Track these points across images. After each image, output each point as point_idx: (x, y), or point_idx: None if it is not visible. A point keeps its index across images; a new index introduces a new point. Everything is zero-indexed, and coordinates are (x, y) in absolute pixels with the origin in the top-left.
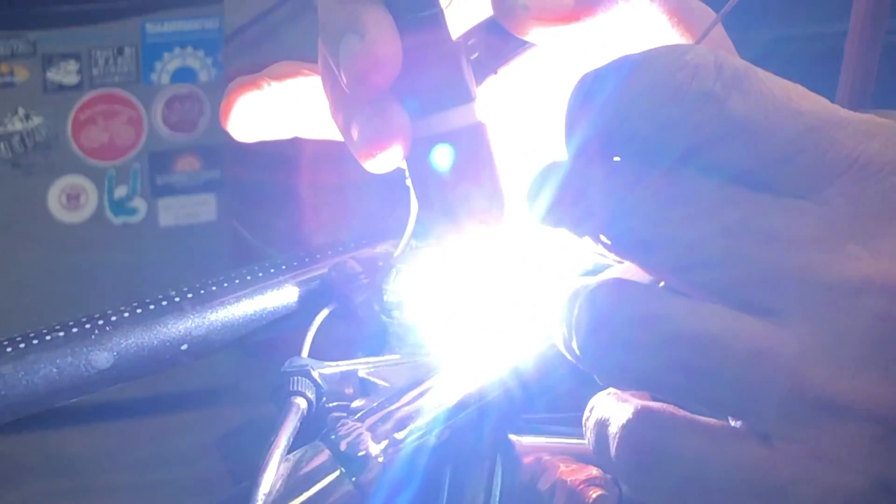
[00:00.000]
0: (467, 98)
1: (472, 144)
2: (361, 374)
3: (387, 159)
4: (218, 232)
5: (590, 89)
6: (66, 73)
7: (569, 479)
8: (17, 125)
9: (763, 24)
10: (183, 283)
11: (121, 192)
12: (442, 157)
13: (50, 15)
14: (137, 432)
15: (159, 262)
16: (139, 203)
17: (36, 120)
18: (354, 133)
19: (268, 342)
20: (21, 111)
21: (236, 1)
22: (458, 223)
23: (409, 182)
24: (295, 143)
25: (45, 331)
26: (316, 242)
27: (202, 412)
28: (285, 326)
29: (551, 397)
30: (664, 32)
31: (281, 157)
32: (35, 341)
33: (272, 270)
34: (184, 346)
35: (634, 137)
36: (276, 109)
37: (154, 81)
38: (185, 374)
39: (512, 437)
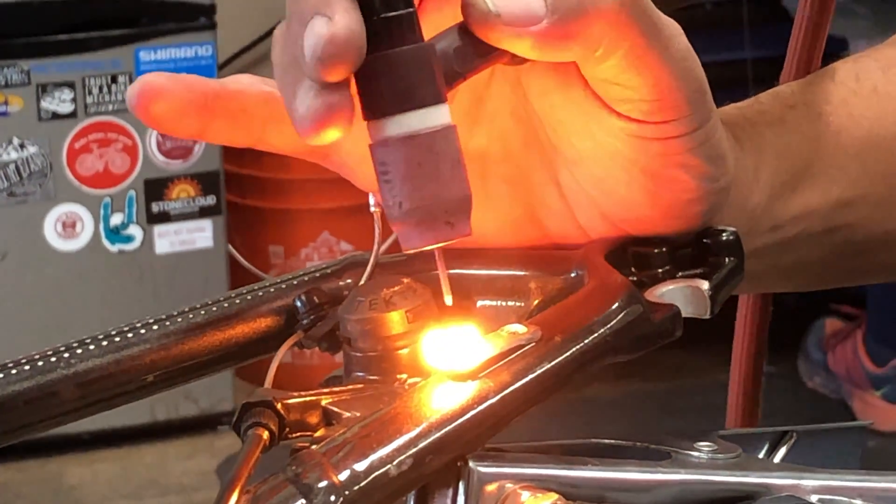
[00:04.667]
0: (440, 99)
1: (444, 145)
2: (325, 403)
3: (329, 135)
4: (214, 258)
5: None
6: (60, 102)
7: None
8: (12, 154)
9: None
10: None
11: (116, 219)
12: (413, 156)
13: (44, 44)
14: (136, 459)
15: (156, 289)
16: (135, 230)
17: (31, 149)
18: (301, 107)
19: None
20: (16, 140)
21: (229, 28)
22: (426, 224)
23: (373, 209)
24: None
25: (10, 364)
26: (280, 272)
27: (201, 438)
28: (250, 356)
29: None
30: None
31: (276, 182)
32: (0, 375)
33: (237, 301)
34: (149, 377)
35: None
36: (204, 105)
37: None
38: (184, 401)
39: (474, 464)
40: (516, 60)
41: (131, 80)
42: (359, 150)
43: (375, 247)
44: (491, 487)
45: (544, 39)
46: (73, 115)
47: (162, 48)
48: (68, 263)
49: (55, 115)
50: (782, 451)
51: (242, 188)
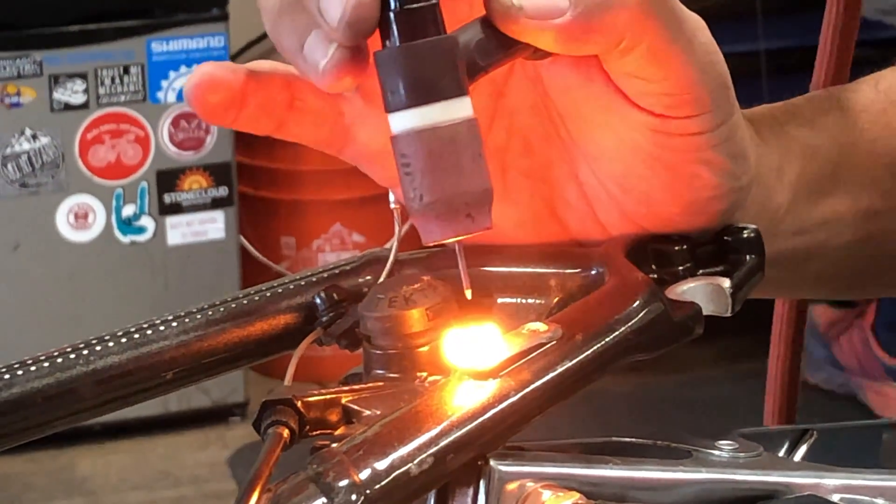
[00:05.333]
0: (462, 91)
1: (466, 138)
2: (345, 401)
3: (345, 85)
4: (226, 249)
5: None
6: (72, 93)
7: None
8: (25, 145)
9: None
10: (192, 302)
11: (128, 210)
12: (435, 149)
13: (56, 35)
14: (148, 450)
15: (168, 280)
16: (147, 222)
17: (43, 140)
18: (320, 59)
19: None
20: (28, 131)
21: (241, 18)
22: (446, 217)
23: (393, 205)
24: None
25: (29, 361)
26: (292, 263)
27: (213, 430)
28: (270, 353)
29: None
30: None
31: (289, 174)
32: (20, 372)
33: (256, 298)
34: (168, 374)
35: None
36: (242, 92)
37: (160, 100)
38: (196, 393)
39: (494, 463)
40: (539, 55)
41: (143, 71)
42: (376, 143)
43: (395, 244)
44: (512, 486)
45: (567, 33)
46: (85, 105)
47: (174, 39)
48: (80, 254)
49: (67, 106)
50: (803, 450)
51: (255, 179)
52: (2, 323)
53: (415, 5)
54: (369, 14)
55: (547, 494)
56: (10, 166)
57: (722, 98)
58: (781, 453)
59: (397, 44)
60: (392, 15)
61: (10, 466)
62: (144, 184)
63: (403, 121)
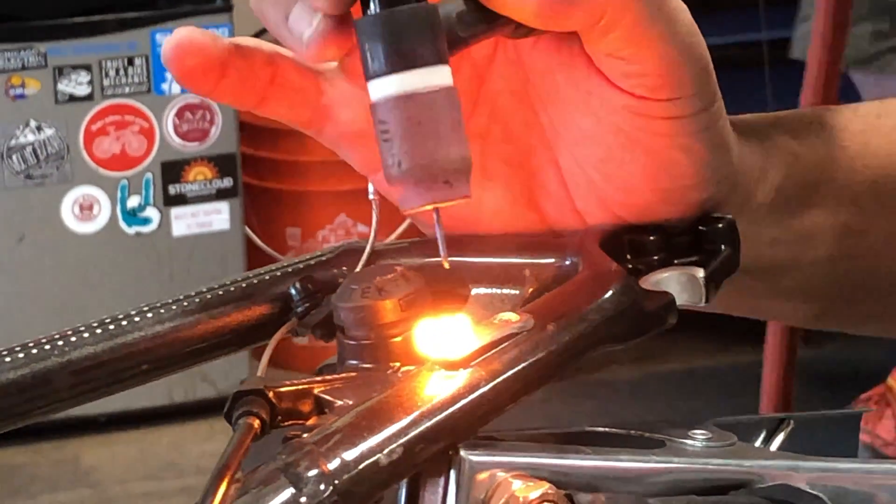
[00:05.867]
0: (441, 59)
1: (445, 105)
2: (317, 391)
3: (331, 55)
4: (231, 240)
5: None
6: (77, 84)
7: (522, 497)
8: (30, 136)
9: None
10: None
11: (133, 202)
12: (413, 115)
13: (60, 27)
14: (154, 441)
15: (173, 271)
16: (152, 213)
17: (48, 131)
18: (305, 29)
19: (288, 350)
20: (33, 123)
21: (246, 9)
22: (424, 184)
23: (371, 196)
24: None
25: (4, 351)
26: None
27: (218, 420)
28: (245, 343)
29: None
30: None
31: (293, 165)
32: None
33: (232, 288)
34: (143, 365)
35: None
36: (222, 60)
37: (165, 91)
38: (201, 383)
39: (465, 453)
40: (519, 32)
41: (147, 63)
42: (356, 124)
43: (372, 234)
44: (482, 476)
45: (548, 7)
46: (89, 97)
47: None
48: (85, 246)
49: (72, 98)
50: (779, 439)
51: (259, 170)
52: (7, 314)
53: None
54: None
55: (517, 484)
56: (14, 158)
57: (703, 82)
58: (758, 442)
59: (377, 10)
60: None
61: (15, 457)
62: (149, 175)
63: (382, 87)
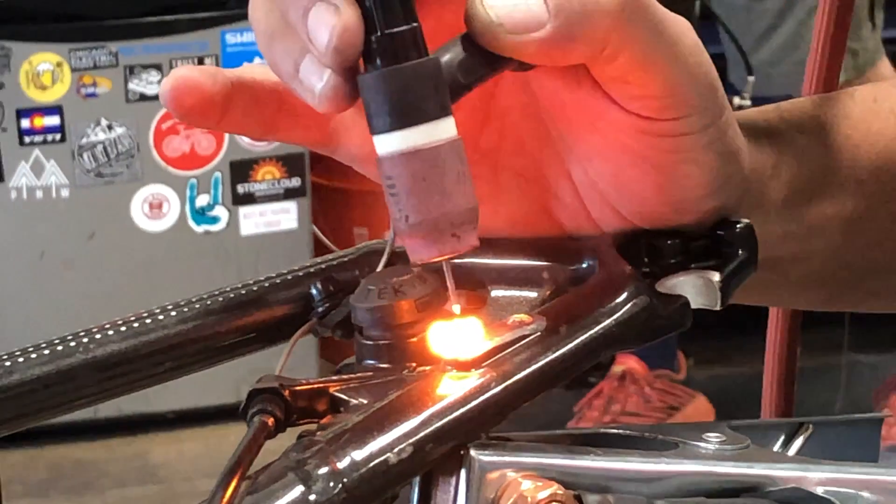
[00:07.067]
0: (444, 112)
1: (449, 158)
2: (333, 390)
3: (342, 108)
4: (299, 239)
5: None
6: (147, 84)
7: (530, 497)
8: (100, 135)
9: None
10: None
11: (202, 200)
12: (418, 171)
13: (132, 26)
14: (221, 438)
15: (240, 270)
16: (220, 211)
17: (118, 130)
18: (316, 83)
19: (342, 347)
20: (104, 121)
21: None
22: (432, 237)
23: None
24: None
25: (31, 348)
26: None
27: None
28: (267, 343)
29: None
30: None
31: None
32: (20, 359)
33: (254, 288)
34: (167, 363)
35: None
36: (224, 96)
37: None
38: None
39: (475, 453)
40: (523, 67)
41: (217, 62)
42: (365, 148)
43: (391, 235)
44: (492, 475)
45: (549, 44)
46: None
47: (248, 31)
48: (154, 244)
49: (143, 97)
50: (798, 443)
51: (327, 169)
52: (76, 311)
53: (395, 29)
54: (355, 40)
55: (526, 484)
56: (85, 156)
57: (709, 99)
58: (777, 447)
59: (380, 68)
60: (373, 39)
61: (85, 453)
62: (218, 174)
63: (387, 143)
